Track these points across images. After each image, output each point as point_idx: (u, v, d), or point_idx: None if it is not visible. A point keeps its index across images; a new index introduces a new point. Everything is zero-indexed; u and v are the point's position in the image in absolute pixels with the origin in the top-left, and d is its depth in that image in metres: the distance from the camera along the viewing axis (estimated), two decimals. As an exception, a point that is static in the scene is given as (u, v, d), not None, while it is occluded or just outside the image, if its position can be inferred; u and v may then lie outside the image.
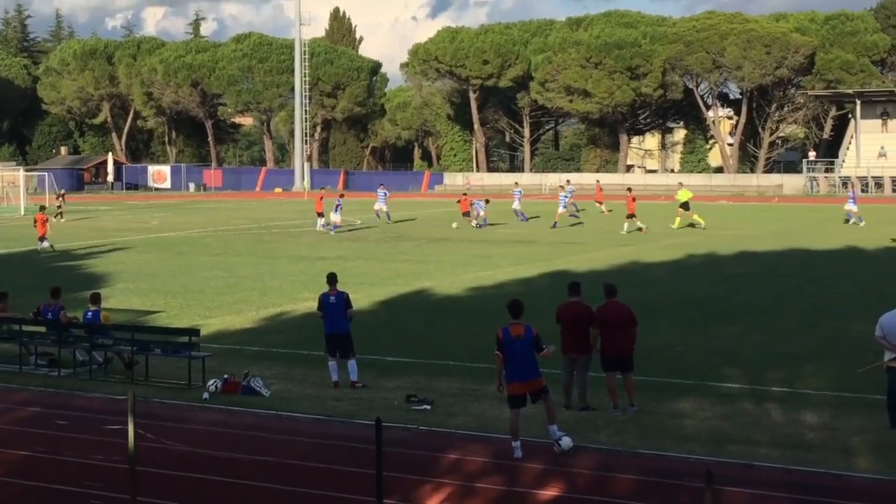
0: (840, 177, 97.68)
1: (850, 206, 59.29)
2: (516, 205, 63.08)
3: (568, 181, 75.10)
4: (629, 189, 60.66)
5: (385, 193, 63.47)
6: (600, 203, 69.31)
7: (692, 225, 56.14)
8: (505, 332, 15.74)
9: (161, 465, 14.89)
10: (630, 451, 15.77)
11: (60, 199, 67.95)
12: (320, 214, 54.19)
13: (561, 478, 14.58)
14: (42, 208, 50.75)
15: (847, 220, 58.53)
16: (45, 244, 46.42)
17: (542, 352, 15.85)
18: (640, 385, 19.61)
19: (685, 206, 56.87)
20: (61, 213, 64.70)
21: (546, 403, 15.78)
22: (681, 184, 67.55)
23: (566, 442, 15.53)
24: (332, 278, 20.88)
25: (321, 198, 56.44)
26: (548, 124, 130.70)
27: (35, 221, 47.86)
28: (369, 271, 37.81)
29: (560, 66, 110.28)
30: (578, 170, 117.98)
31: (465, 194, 65.45)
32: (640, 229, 53.47)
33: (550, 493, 14.03)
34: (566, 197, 61.41)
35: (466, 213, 59.10)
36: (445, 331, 25.93)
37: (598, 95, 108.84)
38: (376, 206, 62.47)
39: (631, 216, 53.79)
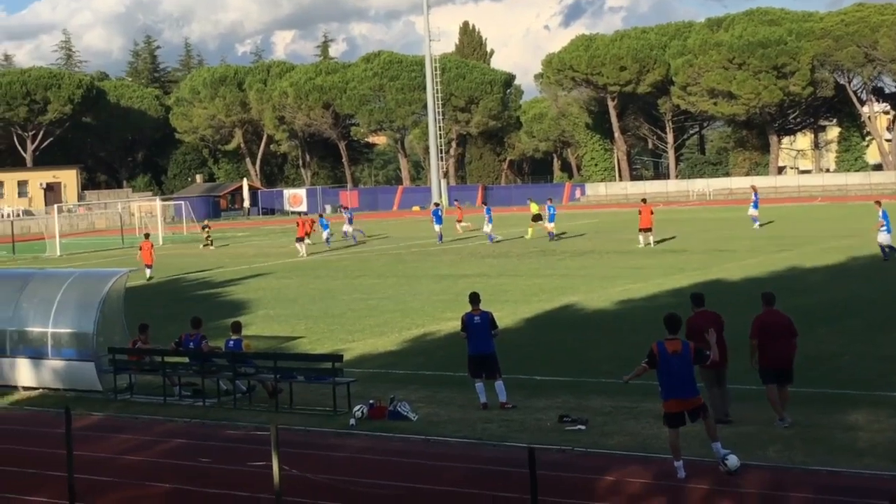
0: None
1: (753, 211, 58.68)
2: (486, 228, 60.37)
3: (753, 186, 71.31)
4: (644, 200, 57.83)
5: (350, 215, 66.65)
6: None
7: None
8: (660, 346, 15.43)
9: (309, 496, 14.88)
10: (801, 467, 15.30)
11: (207, 229, 69.09)
12: (301, 239, 52.31)
13: (729, 498, 14.18)
14: (147, 236, 51.82)
15: None
16: (147, 272, 47.38)
17: (708, 360, 15.64)
18: (804, 397, 19.12)
19: (536, 217, 59.91)
20: (210, 242, 66.83)
21: (706, 421, 15.45)
22: (530, 199, 67.62)
23: (732, 461, 15.09)
24: (474, 298, 20.80)
25: (302, 223, 54.92)
26: (692, 129, 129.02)
27: (140, 249, 49.30)
28: (513, 288, 37.62)
29: (702, 69, 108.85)
30: (727, 174, 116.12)
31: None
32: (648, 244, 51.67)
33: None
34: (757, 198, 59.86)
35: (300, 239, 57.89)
36: (595, 346, 25.59)
37: (744, 97, 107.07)
38: (344, 228, 64.20)
39: (646, 230, 52.10)
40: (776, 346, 17.59)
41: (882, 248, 40.28)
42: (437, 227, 61.12)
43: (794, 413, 18.13)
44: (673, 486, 14.81)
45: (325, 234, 61.55)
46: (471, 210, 70.57)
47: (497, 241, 58.04)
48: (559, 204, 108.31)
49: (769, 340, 17.62)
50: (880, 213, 40.66)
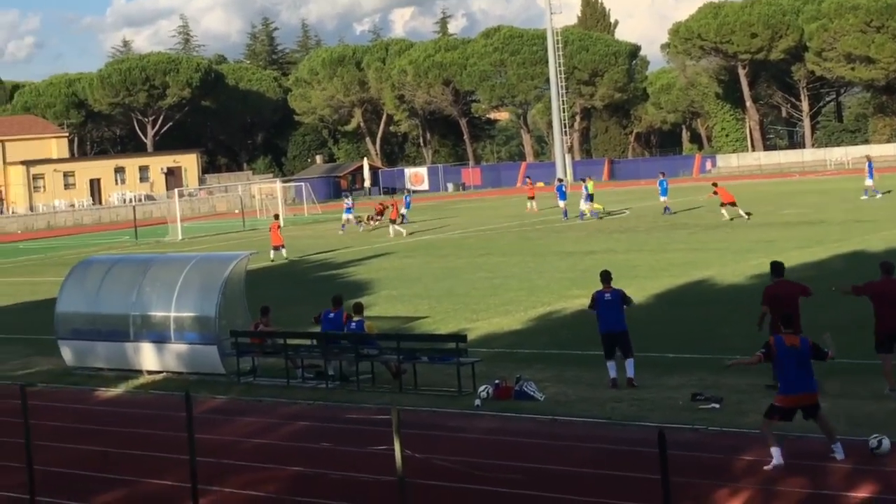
0: None
1: (868, 182, 58.51)
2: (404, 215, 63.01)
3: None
4: (714, 184, 56.79)
5: (408, 198, 67.86)
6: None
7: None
8: (778, 341, 15.13)
9: (433, 478, 14.88)
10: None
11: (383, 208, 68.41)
12: (276, 248, 49.15)
13: (873, 478, 13.81)
14: (276, 216, 52.39)
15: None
16: (283, 252, 48.36)
17: (828, 356, 15.16)
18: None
19: (590, 197, 59.78)
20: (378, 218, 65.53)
21: (821, 422, 15.00)
22: (588, 177, 64.20)
23: (886, 444, 14.67)
24: (605, 276, 20.72)
25: (277, 227, 51.63)
26: (828, 96, 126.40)
27: (270, 230, 50.34)
28: (642, 263, 37.23)
29: (838, 33, 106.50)
30: (867, 142, 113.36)
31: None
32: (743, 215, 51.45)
33: (862, 494, 13.30)
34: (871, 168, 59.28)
35: (393, 221, 58.20)
36: (729, 322, 25.16)
37: (884, 60, 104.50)
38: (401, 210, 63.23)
39: (729, 204, 52.16)
40: (893, 312, 17.82)
41: None
42: (561, 203, 60.80)
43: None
44: (812, 465, 14.50)
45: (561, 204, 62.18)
46: (597, 185, 69.81)
47: (600, 217, 58.24)
48: (688, 176, 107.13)
49: (886, 307, 17.90)
50: None
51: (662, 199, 59.22)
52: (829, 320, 24.07)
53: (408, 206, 65.75)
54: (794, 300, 18.51)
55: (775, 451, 14.61)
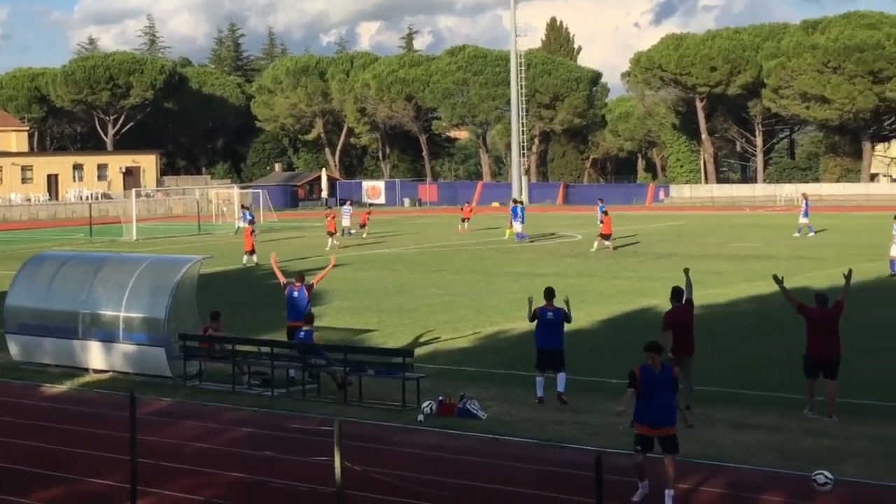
0: None
1: (802, 220, 59.28)
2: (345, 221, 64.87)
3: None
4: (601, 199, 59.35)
5: (349, 210, 67.31)
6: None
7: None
8: (644, 369, 14.95)
9: (371, 491, 14.88)
10: (881, 484, 15.00)
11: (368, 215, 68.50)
12: (249, 253, 49.40)
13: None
14: (251, 222, 52.67)
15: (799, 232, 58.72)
16: (253, 258, 48.73)
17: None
18: (893, 412, 18.87)
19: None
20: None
21: (670, 459, 14.55)
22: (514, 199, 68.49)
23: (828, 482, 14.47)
24: (549, 293, 20.98)
25: (251, 233, 51.29)
26: (782, 133, 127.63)
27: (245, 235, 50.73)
28: (592, 289, 37.41)
29: (795, 72, 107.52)
30: (816, 180, 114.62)
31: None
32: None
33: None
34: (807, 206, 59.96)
35: (333, 233, 58.35)
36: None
37: (838, 101, 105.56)
38: (343, 223, 64.60)
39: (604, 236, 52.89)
40: (824, 336, 19.00)
41: (892, 262, 39.81)
42: (517, 226, 60.95)
43: (880, 427, 17.91)
44: (747, 497, 14.62)
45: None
46: (550, 208, 70.03)
47: (529, 242, 58.32)
48: (641, 204, 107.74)
49: (816, 335, 19.07)
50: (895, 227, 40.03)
51: (518, 226, 60.21)
52: (766, 353, 24.35)
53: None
54: (690, 324, 19.87)
55: (642, 485, 14.56)
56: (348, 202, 74.53)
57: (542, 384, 20.26)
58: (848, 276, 20.54)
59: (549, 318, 20.50)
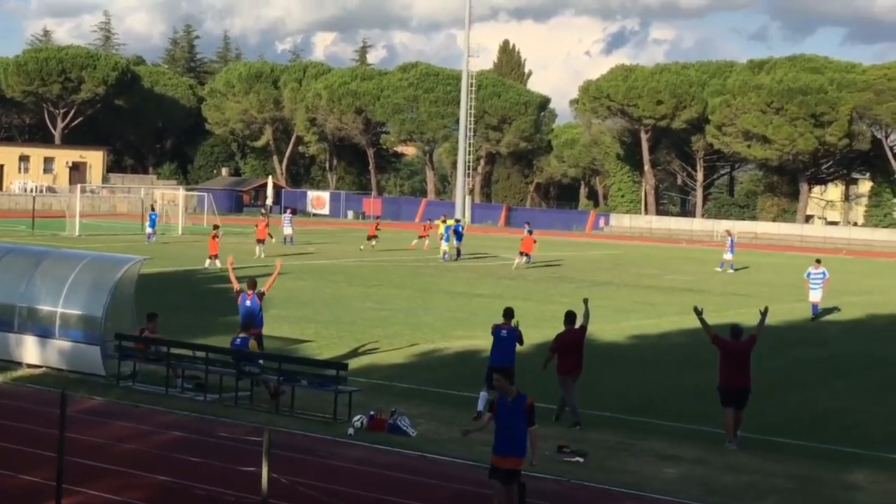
0: None
1: (727, 255, 60.58)
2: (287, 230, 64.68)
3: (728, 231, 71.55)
4: (530, 231, 60.06)
5: (290, 217, 66.79)
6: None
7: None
8: (501, 400, 14.28)
9: (298, 502, 14.87)
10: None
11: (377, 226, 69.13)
12: (213, 257, 49.52)
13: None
14: (215, 227, 52.45)
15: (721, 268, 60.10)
16: (216, 263, 48.61)
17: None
18: (810, 451, 19.19)
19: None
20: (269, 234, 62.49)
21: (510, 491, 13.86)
22: (443, 216, 70.14)
23: None
24: (508, 312, 21.39)
25: (214, 237, 51.13)
26: (723, 169, 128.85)
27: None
28: (526, 312, 37.39)
29: (739, 110, 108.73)
30: (754, 218, 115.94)
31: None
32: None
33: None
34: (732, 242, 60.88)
35: (262, 241, 56.77)
36: (603, 380, 25.48)
37: (779, 142, 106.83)
38: (285, 231, 64.63)
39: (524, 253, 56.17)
40: (733, 369, 19.78)
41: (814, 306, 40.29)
42: (456, 244, 61.06)
43: (798, 467, 18.13)
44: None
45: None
46: (492, 229, 70.40)
47: (451, 260, 59.35)
48: (581, 231, 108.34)
49: (729, 365, 19.82)
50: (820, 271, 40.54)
51: (456, 243, 61.10)
52: (693, 384, 24.59)
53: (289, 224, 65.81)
54: (580, 347, 21.15)
55: None
56: (289, 210, 74.53)
57: (485, 398, 20.36)
58: (764, 313, 21.21)
59: (503, 336, 20.86)
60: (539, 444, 14.40)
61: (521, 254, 56.00)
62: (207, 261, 49.49)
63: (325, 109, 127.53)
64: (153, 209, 69.00)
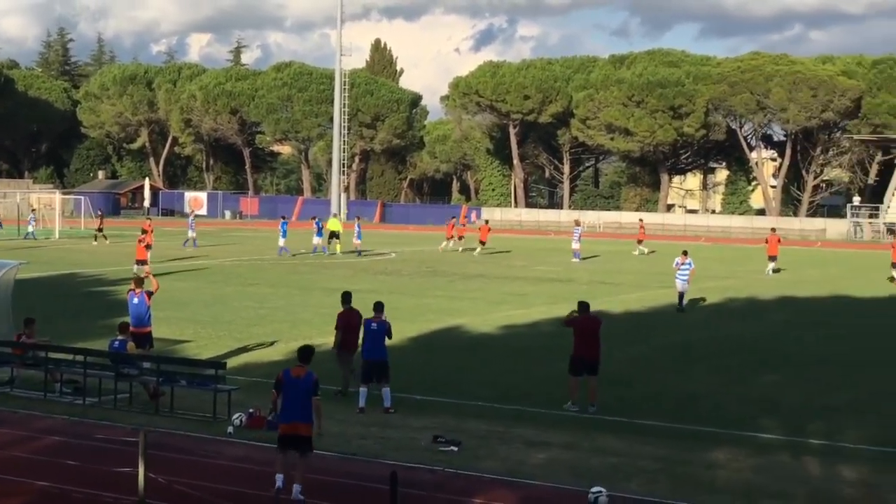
0: (885, 223, 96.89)
1: (574, 245, 61.64)
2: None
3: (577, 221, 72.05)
4: (486, 221, 68.36)
5: (193, 221, 66.55)
6: (640, 243, 68.54)
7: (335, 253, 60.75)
8: (286, 373, 16.41)
9: (176, 502, 14.72)
10: (662, 501, 15.49)
11: (99, 220, 68.85)
12: (141, 262, 46.69)
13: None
14: (143, 231, 50.15)
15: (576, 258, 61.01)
16: (143, 268, 46.11)
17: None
18: (674, 433, 19.51)
19: (335, 235, 61.95)
20: (104, 235, 66.37)
21: (304, 461, 15.52)
22: (335, 214, 73.52)
23: (603, 499, 15.11)
24: (378, 306, 21.60)
25: (142, 241, 48.37)
26: (588, 161, 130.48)
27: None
28: (401, 306, 37.53)
29: (602, 104, 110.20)
30: (618, 208, 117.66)
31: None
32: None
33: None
34: (579, 231, 62.45)
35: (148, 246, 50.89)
36: (475, 370, 25.70)
37: (640, 134, 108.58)
38: (189, 234, 64.70)
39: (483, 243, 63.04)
40: (588, 342, 21.50)
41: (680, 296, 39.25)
42: (281, 241, 61.10)
43: (662, 448, 18.47)
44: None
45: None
46: (368, 226, 70.58)
47: (289, 255, 59.40)
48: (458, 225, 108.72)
49: (581, 338, 21.58)
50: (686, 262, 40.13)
51: (357, 241, 61.29)
52: (561, 372, 24.81)
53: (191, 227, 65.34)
54: (357, 327, 21.80)
55: (278, 477, 15.20)
56: (193, 213, 74.12)
57: (364, 395, 20.64)
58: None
59: (374, 329, 21.09)
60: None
61: (481, 243, 63.67)
62: (135, 266, 46.30)
63: (200, 110, 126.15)
64: (33, 212, 68.32)
